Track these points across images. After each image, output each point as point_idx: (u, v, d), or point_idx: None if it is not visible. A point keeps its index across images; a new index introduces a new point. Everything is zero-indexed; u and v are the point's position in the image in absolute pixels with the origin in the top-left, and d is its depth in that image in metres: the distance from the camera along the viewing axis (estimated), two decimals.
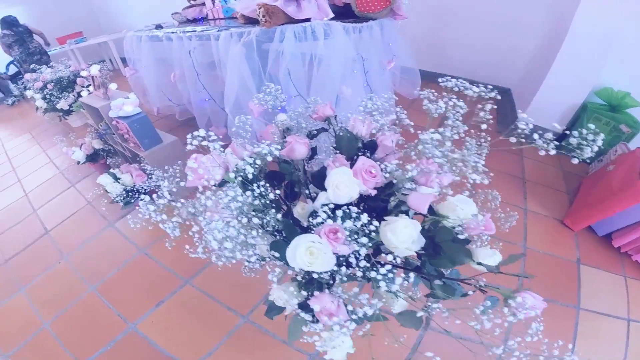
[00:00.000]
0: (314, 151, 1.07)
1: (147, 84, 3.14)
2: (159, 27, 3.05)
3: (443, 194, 0.84)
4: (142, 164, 2.22)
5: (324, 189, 0.82)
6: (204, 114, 2.91)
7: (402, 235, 0.71)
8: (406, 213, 0.84)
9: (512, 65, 3.32)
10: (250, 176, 0.83)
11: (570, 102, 2.54)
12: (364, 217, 0.73)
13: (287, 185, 1.06)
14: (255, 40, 2.02)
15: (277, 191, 0.86)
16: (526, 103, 2.80)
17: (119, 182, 2.17)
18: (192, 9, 3.17)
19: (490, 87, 0.85)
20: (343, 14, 2.01)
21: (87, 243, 2.26)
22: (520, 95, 3.16)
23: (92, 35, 5.56)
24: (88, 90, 2.44)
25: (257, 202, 0.81)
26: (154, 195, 1.06)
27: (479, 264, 0.80)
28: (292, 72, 2.05)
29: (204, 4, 3.08)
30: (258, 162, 0.90)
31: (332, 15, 1.97)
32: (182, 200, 1.01)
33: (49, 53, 4.98)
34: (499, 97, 0.85)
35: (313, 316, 0.80)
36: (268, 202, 0.83)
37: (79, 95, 3.39)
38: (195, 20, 3.14)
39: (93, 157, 2.68)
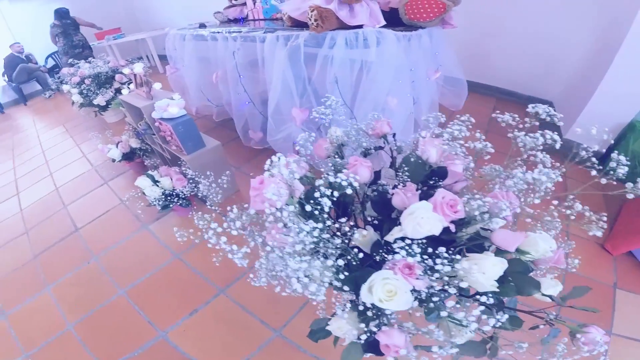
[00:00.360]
0: (377, 175, 0.97)
1: (187, 83, 3.05)
2: (202, 26, 2.97)
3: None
4: (182, 168, 2.11)
5: (386, 216, 0.79)
6: (242, 117, 2.80)
7: (491, 273, 0.68)
8: (480, 247, 0.78)
9: (554, 78, 3.15)
10: (326, 209, 0.73)
11: (617, 121, 2.37)
12: (444, 254, 0.68)
13: (338, 203, 0.91)
14: (302, 45, 1.90)
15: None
16: (570, 118, 2.67)
17: (157, 186, 2.06)
18: (232, 9, 3.09)
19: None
20: (388, 20, 1.86)
21: (119, 244, 2.16)
22: (562, 109, 2.95)
23: (130, 32, 5.55)
24: (128, 88, 2.35)
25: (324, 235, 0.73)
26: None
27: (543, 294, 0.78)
28: (340, 80, 1.91)
29: (244, 3, 2.98)
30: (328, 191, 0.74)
31: (384, 22, 1.83)
32: (250, 231, 0.89)
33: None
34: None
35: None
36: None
37: (117, 91, 3.34)
38: (235, 20, 3.06)
39: (129, 156, 2.59)
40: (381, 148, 1.06)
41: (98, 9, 5.18)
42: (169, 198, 2.07)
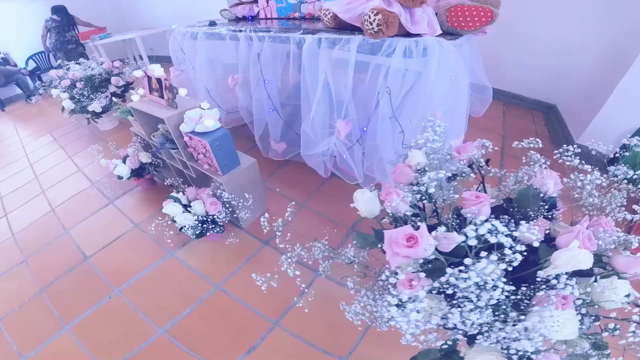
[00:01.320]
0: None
1: (197, 86, 2.65)
2: (212, 23, 2.59)
3: None
4: (216, 190, 1.76)
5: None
6: (262, 125, 2.46)
7: (622, 293, 0.70)
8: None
9: (560, 82, 3.17)
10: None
11: (627, 126, 2.35)
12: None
13: None
14: (355, 52, 1.58)
15: None
16: (577, 122, 2.71)
17: (189, 212, 1.70)
18: (241, 7, 2.73)
19: None
20: None
21: (143, 275, 1.80)
22: (569, 113, 3.01)
23: (116, 31, 4.96)
24: (137, 93, 1.96)
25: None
26: None
27: None
28: (392, 91, 1.62)
29: (255, 1, 2.64)
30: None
31: (440, 31, 1.58)
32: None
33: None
34: None
35: None
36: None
37: (113, 96, 2.90)
38: (244, 19, 2.70)
39: (138, 172, 2.19)
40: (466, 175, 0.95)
41: (83, 7, 4.59)
42: (204, 225, 1.71)
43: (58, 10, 4.31)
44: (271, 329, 1.50)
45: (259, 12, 2.70)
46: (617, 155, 0.97)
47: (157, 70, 1.71)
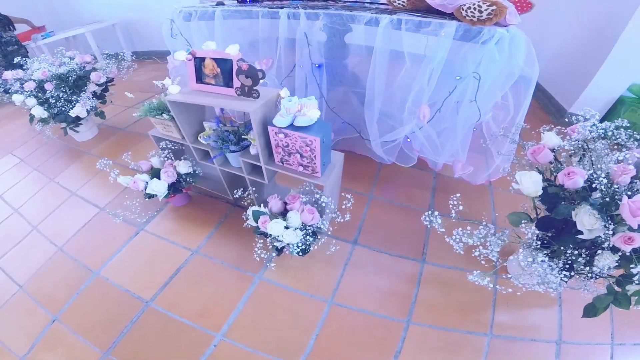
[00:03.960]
0: None
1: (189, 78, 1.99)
2: (220, 4, 1.93)
3: None
4: (308, 196, 1.26)
5: None
6: None
7: None
8: None
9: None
10: None
11: (609, 97, 2.41)
12: None
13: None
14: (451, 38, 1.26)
15: None
16: (566, 93, 2.65)
17: (291, 228, 1.18)
18: None
19: None
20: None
21: (242, 311, 1.27)
22: (553, 85, 2.93)
23: (51, 29, 3.70)
24: (175, 84, 1.32)
25: None
26: None
27: None
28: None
29: None
30: None
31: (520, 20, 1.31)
32: None
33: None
34: None
35: None
36: None
37: (98, 96, 2.09)
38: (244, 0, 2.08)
39: (175, 187, 1.54)
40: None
41: (9, 4, 3.27)
42: (307, 239, 1.21)
43: None
44: (406, 328, 1.15)
45: None
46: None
47: (230, 49, 1.11)
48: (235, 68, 1.14)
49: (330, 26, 1.55)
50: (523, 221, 1.03)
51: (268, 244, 1.26)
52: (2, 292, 1.43)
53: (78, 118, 2.14)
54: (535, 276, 0.97)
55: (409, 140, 1.70)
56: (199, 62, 1.23)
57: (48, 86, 1.95)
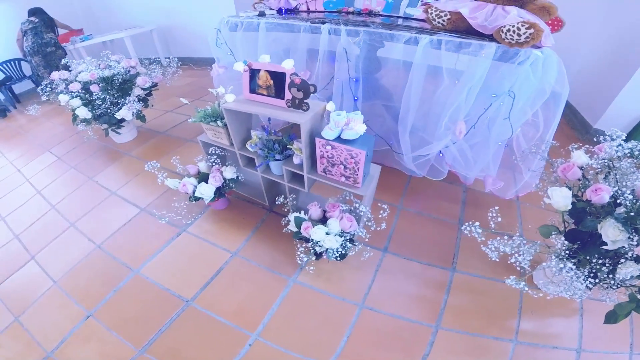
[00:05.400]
0: None
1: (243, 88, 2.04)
2: (261, 14, 2.00)
3: None
4: (349, 205, 1.29)
5: None
6: None
7: None
8: None
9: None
10: None
11: (635, 114, 2.36)
12: None
13: None
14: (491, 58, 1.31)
15: None
16: (592, 109, 2.62)
17: (332, 234, 1.22)
18: None
19: None
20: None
21: (276, 312, 1.29)
22: (578, 102, 2.88)
23: (90, 33, 3.84)
24: (229, 92, 1.37)
25: None
26: None
27: None
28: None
29: None
30: None
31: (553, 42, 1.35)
32: None
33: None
34: None
35: None
36: None
37: (141, 99, 2.16)
38: (279, 12, 2.15)
39: (220, 191, 1.58)
40: None
41: (51, 9, 3.41)
42: (347, 244, 1.25)
43: (35, 12, 3.26)
44: (435, 333, 1.15)
45: (298, 5, 2.18)
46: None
47: (286, 64, 1.15)
48: (288, 81, 1.19)
49: (365, 42, 1.59)
50: (553, 233, 1.09)
51: (307, 249, 1.29)
52: (36, 287, 1.47)
53: (121, 120, 2.21)
54: (562, 284, 1.03)
55: (441, 154, 1.72)
56: (253, 73, 1.27)
57: (94, 88, 2.02)
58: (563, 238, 1.04)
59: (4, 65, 3.61)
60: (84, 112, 2.03)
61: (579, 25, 2.73)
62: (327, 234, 1.24)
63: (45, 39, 3.17)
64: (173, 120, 2.77)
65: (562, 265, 0.98)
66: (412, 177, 1.96)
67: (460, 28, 1.43)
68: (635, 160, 1.06)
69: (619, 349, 1.19)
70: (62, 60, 2.25)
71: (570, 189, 1.07)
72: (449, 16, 1.41)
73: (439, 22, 1.46)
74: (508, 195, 1.79)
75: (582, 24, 2.71)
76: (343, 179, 1.28)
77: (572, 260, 1.01)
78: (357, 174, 1.23)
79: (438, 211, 1.75)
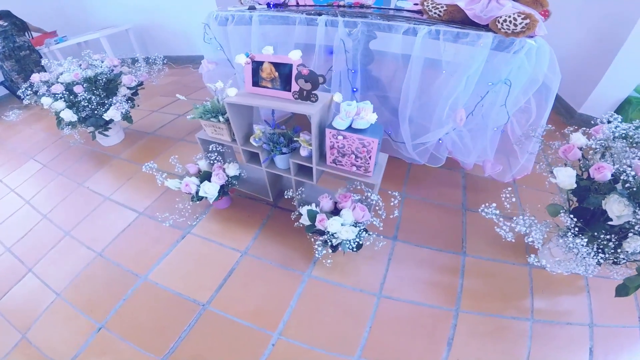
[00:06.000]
0: None
1: (239, 79, 1.97)
2: (252, 8, 1.95)
3: None
4: (360, 194, 1.28)
5: None
6: None
7: None
8: None
9: None
10: None
11: (617, 97, 2.47)
12: None
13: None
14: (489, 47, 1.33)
15: None
16: (576, 94, 2.71)
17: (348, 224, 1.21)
18: None
19: None
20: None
21: (295, 309, 1.27)
22: (561, 88, 2.98)
23: (62, 34, 3.62)
24: (230, 87, 1.33)
25: None
26: None
27: None
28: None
29: None
30: None
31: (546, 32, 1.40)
32: None
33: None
34: None
35: None
36: None
37: (129, 100, 2.06)
38: (268, 6, 2.10)
39: (224, 189, 1.53)
40: None
41: (19, 11, 3.16)
42: (363, 234, 1.24)
43: (2, 15, 3.02)
44: (456, 316, 1.20)
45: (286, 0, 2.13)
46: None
47: (292, 55, 1.12)
48: (294, 72, 1.15)
49: (362, 33, 1.58)
50: (561, 211, 1.13)
51: (319, 242, 1.28)
52: (39, 301, 1.39)
53: (109, 122, 2.10)
54: (572, 262, 1.07)
55: (441, 141, 1.73)
56: (256, 65, 1.23)
57: (78, 89, 1.91)
58: (572, 216, 1.07)
59: None
60: (69, 115, 1.91)
61: (561, 11, 2.81)
62: (342, 225, 1.22)
63: (18, 43, 2.97)
64: (160, 120, 2.66)
65: (578, 241, 1.02)
66: (412, 165, 1.97)
67: (456, 19, 1.45)
68: (629, 140, 1.11)
69: (629, 323, 1.24)
70: (42, 62, 2.11)
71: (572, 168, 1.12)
72: (445, 7, 1.43)
73: (435, 13, 1.48)
74: (506, 179, 1.84)
75: (562, 14, 2.79)
76: (354, 168, 1.27)
77: (584, 237, 1.04)
78: (368, 163, 1.22)
79: (441, 197, 1.77)
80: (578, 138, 1.19)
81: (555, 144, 1.28)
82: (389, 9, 1.88)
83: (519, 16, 1.21)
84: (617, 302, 1.15)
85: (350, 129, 1.17)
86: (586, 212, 1.09)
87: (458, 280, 1.37)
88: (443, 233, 1.57)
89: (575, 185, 1.09)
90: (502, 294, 1.32)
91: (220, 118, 1.36)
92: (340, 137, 1.17)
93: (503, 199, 1.13)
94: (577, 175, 1.12)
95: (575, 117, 2.65)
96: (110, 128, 2.18)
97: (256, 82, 1.26)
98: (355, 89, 1.75)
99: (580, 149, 1.17)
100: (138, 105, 2.31)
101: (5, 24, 2.97)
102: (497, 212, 1.10)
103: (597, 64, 2.46)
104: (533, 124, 1.56)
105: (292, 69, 1.16)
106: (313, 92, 1.16)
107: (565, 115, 2.78)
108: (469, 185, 1.85)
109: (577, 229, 1.07)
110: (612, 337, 1.20)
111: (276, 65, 1.19)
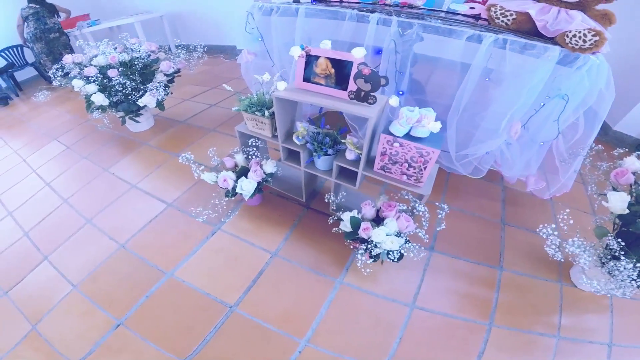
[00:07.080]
0: None
1: (283, 74, 1.89)
2: (296, 1, 1.86)
3: None
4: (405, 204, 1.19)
5: None
6: None
7: None
8: None
9: None
10: None
11: None
12: None
13: None
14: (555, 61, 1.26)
15: None
16: (612, 112, 2.60)
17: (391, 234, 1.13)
18: None
19: None
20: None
21: (324, 315, 1.19)
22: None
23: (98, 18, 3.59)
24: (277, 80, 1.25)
25: None
26: None
27: None
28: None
29: None
30: None
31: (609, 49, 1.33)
32: None
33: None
34: None
35: None
36: None
37: (165, 86, 2.00)
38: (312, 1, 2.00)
39: (259, 186, 1.45)
40: None
41: None
42: (407, 245, 1.16)
43: None
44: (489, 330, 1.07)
45: None
46: None
47: (355, 52, 1.03)
48: (354, 71, 1.07)
49: (410, 34, 1.49)
50: (609, 235, 1.10)
51: (361, 251, 1.19)
52: (53, 291, 1.32)
53: (141, 108, 2.04)
54: (610, 283, 1.08)
55: (487, 153, 1.64)
56: (309, 60, 1.15)
57: (112, 73, 1.85)
58: (620, 239, 1.04)
59: (6, 52, 3.33)
60: (100, 99, 1.85)
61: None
62: (387, 234, 1.13)
63: (49, 25, 2.95)
64: (192, 109, 2.59)
65: (630, 265, 1.01)
66: (451, 174, 1.88)
67: (524, 29, 1.35)
68: None
69: None
70: (77, 43, 2.06)
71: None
72: (514, 16, 1.33)
73: (502, 21, 1.37)
74: (545, 196, 1.75)
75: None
76: (404, 177, 1.18)
77: (630, 260, 1.03)
78: (422, 173, 1.13)
79: (480, 209, 1.69)
80: (633, 162, 1.16)
81: (603, 165, 1.27)
82: (441, 11, 1.78)
83: (589, 32, 1.16)
84: (637, 322, 1.18)
85: (408, 136, 1.08)
86: (630, 235, 1.08)
87: (494, 294, 1.31)
88: (481, 246, 1.50)
89: (627, 211, 1.07)
90: (534, 310, 1.27)
91: (266, 112, 1.28)
92: (396, 145, 1.08)
93: (559, 219, 1.10)
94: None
95: (609, 134, 2.54)
96: (141, 114, 2.12)
97: (308, 77, 1.18)
98: (401, 92, 1.66)
99: (634, 173, 1.15)
100: (172, 93, 2.24)
101: (37, 6, 2.95)
102: (556, 233, 1.05)
103: (638, 82, 2.34)
104: (578, 141, 1.49)
105: (351, 66, 1.07)
106: (372, 93, 1.07)
107: (599, 131, 2.68)
108: (509, 199, 1.76)
109: (620, 252, 1.04)
110: (628, 357, 1.17)
111: (333, 62, 1.11)
